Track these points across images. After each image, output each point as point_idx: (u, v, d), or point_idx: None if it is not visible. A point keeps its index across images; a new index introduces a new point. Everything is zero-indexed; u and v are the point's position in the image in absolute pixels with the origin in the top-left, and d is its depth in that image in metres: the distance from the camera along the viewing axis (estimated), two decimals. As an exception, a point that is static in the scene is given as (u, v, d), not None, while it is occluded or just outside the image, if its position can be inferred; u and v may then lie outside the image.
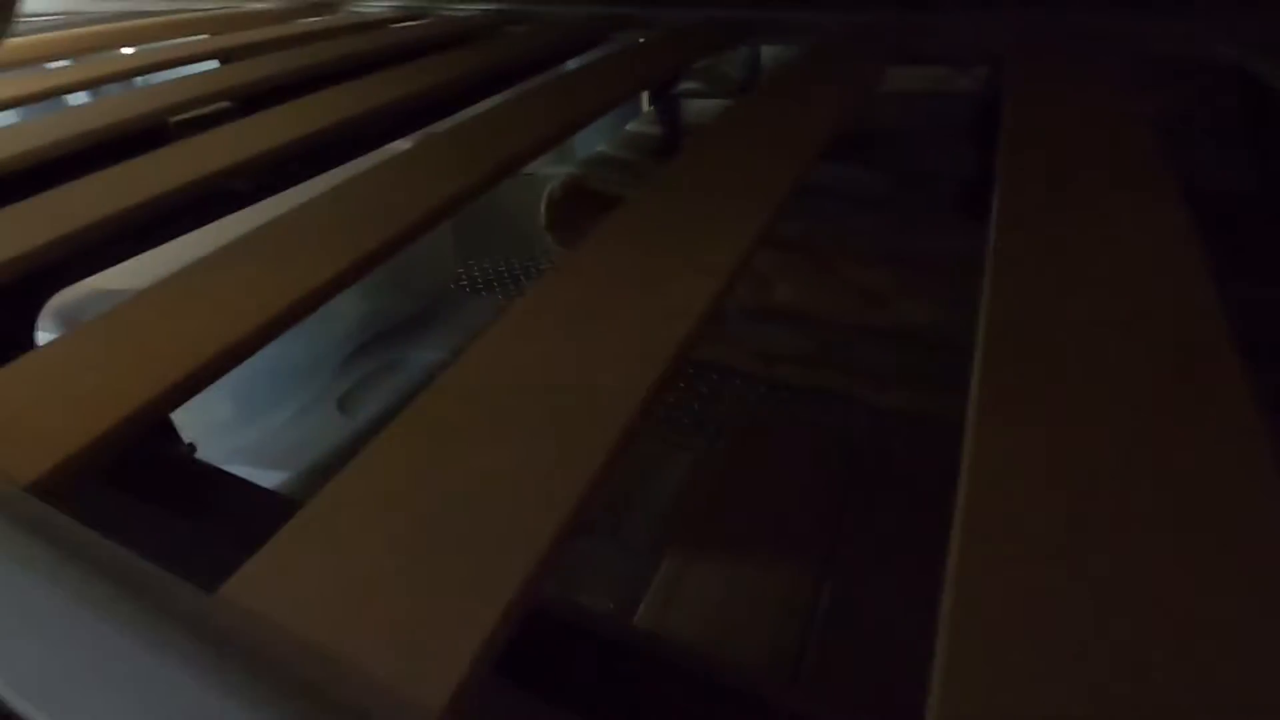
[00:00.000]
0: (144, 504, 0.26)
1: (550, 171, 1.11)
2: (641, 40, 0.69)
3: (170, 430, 0.36)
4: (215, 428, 0.76)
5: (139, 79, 0.64)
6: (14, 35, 0.77)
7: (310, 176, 0.44)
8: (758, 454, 0.85)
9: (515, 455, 0.19)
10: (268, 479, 0.72)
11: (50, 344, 0.24)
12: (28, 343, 0.34)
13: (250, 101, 0.52)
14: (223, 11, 0.94)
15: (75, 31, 0.81)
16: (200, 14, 0.93)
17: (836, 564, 0.63)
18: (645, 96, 1.12)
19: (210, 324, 0.25)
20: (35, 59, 0.71)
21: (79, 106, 0.54)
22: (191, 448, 0.37)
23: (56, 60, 0.73)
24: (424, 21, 0.81)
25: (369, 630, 0.15)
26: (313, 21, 0.84)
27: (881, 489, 0.73)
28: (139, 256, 0.36)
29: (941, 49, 0.64)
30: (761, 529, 0.70)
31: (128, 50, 0.76)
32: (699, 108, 1.03)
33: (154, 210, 0.34)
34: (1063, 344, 0.21)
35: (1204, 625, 0.14)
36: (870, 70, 0.53)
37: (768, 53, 1.03)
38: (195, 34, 0.81)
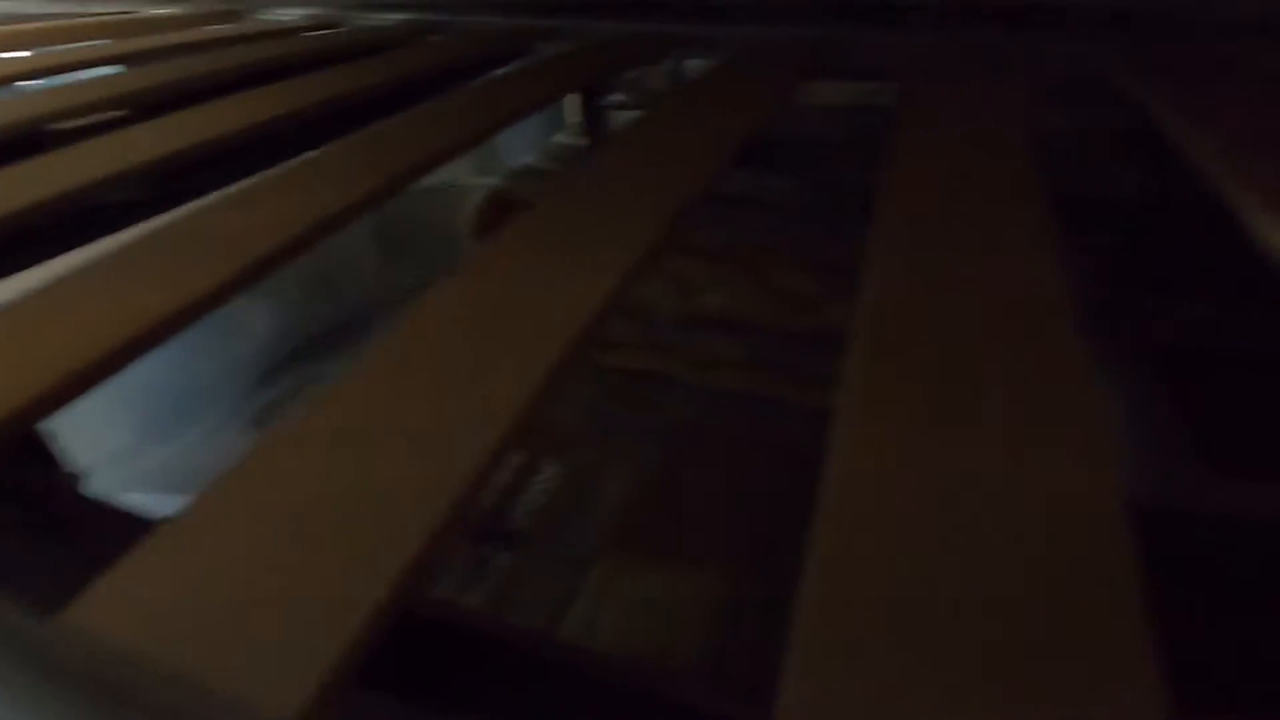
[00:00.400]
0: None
1: (475, 183, 1.10)
2: (561, 52, 0.70)
3: (48, 456, 0.34)
4: (115, 453, 0.72)
5: (31, 83, 0.61)
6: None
7: (212, 187, 0.42)
8: (695, 460, 0.86)
9: (395, 460, 0.18)
10: (171, 503, 0.68)
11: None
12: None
13: (147, 109, 0.50)
14: (124, 17, 0.89)
15: (-44, 34, 0.76)
16: (99, 18, 0.88)
17: (772, 567, 0.64)
18: (570, 108, 1.12)
19: (81, 335, 0.24)
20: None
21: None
22: (74, 476, 0.34)
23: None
24: (337, 30, 0.79)
25: (220, 646, 0.14)
26: (218, 29, 0.81)
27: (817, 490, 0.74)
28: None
29: (856, 66, 0.67)
30: (698, 535, 0.70)
31: (22, 54, 0.71)
32: (625, 119, 1.04)
33: (22, 224, 0.32)
34: (925, 342, 0.22)
35: (1069, 617, 0.14)
36: (781, 83, 0.55)
37: (694, 66, 1.05)
38: (94, 38, 0.77)
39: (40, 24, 0.82)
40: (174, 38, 0.73)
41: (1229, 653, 0.33)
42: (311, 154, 0.40)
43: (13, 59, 0.70)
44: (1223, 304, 0.43)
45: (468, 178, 1.19)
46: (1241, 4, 0.57)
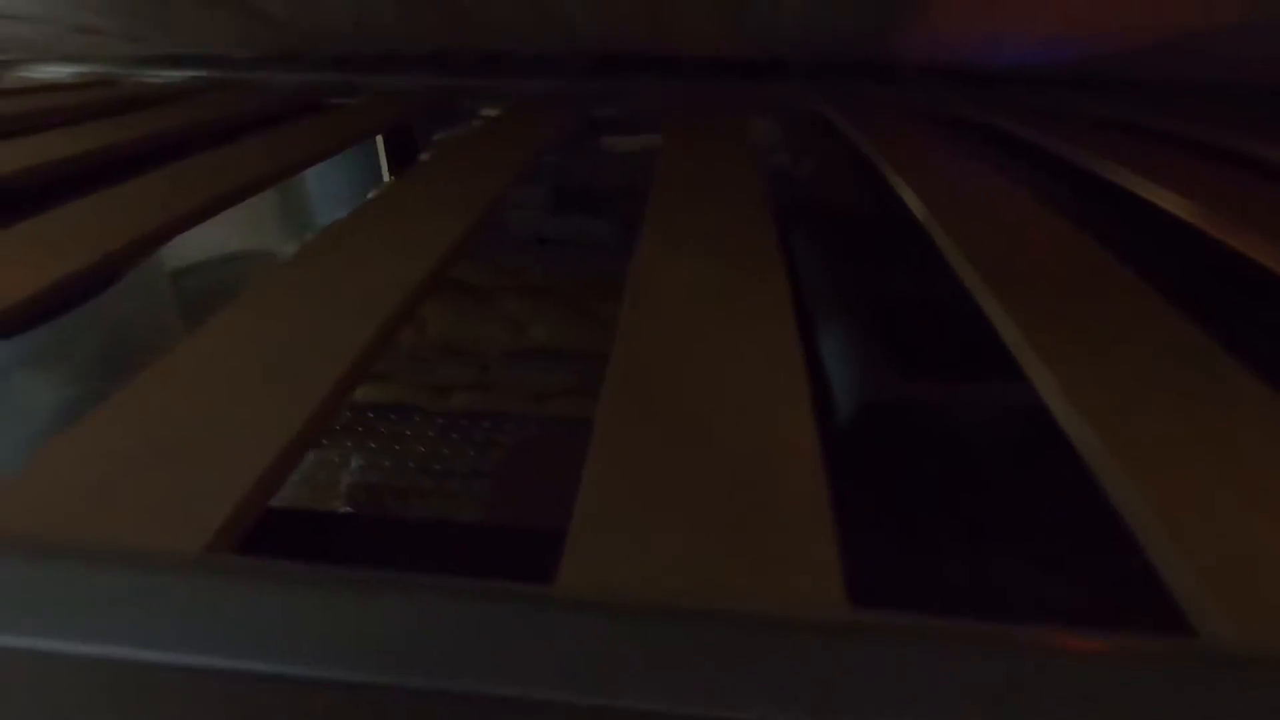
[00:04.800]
0: None
1: (286, 248, 1.08)
2: (350, 105, 0.72)
3: None
4: None
5: None
6: None
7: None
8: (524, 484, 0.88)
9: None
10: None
11: None
12: None
13: None
14: None
15: None
16: None
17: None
18: (385, 166, 1.14)
19: None
20: None
21: None
22: None
23: None
24: (110, 87, 0.77)
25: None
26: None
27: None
28: None
29: (623, 111, 0.75)
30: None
31: None
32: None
33: None
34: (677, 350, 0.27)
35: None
36: (557, 124, 0.61)
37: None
38: None
39: None
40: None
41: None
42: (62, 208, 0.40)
43: None
44: (910, 264, 0.57)
45: (278, 244, 1.17)
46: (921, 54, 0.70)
